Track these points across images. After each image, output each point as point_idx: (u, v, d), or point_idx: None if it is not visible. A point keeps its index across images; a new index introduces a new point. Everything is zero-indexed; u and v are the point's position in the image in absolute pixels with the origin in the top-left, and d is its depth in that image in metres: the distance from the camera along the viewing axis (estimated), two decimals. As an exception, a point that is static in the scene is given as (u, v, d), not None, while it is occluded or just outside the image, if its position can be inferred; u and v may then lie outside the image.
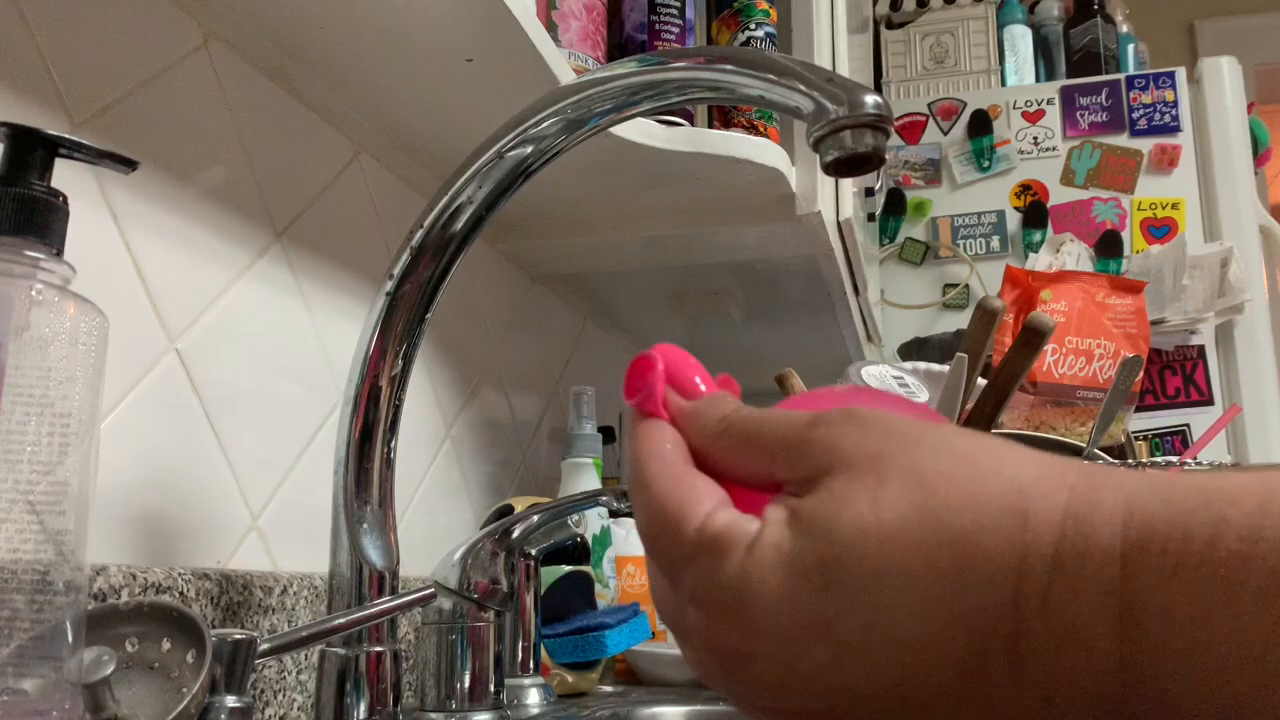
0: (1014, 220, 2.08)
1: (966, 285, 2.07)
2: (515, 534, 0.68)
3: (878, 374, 0.94)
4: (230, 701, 0.46)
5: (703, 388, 0.34)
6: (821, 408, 0.30)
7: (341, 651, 0.58)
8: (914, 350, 1.95)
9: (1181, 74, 2.06)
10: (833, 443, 0.28)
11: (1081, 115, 2.09)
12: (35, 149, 0.40)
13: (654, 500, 0.30)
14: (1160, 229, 2.00)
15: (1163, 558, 0.23)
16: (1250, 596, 0.22)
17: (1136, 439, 1.86)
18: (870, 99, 0.45)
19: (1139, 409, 1.84)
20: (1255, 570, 0.22)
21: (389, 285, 0.60)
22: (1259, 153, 2.14)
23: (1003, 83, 2.23)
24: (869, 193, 1.62)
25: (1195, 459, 0.75)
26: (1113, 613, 0.24)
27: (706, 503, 0.30)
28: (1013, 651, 0.25)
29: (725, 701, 0.31)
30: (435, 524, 0.96)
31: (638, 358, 0.34)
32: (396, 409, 0.61)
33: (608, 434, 1.30)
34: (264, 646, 0.49)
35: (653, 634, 1.04)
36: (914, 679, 0.26)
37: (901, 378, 0.96)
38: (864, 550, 0.26)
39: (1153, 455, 1.86)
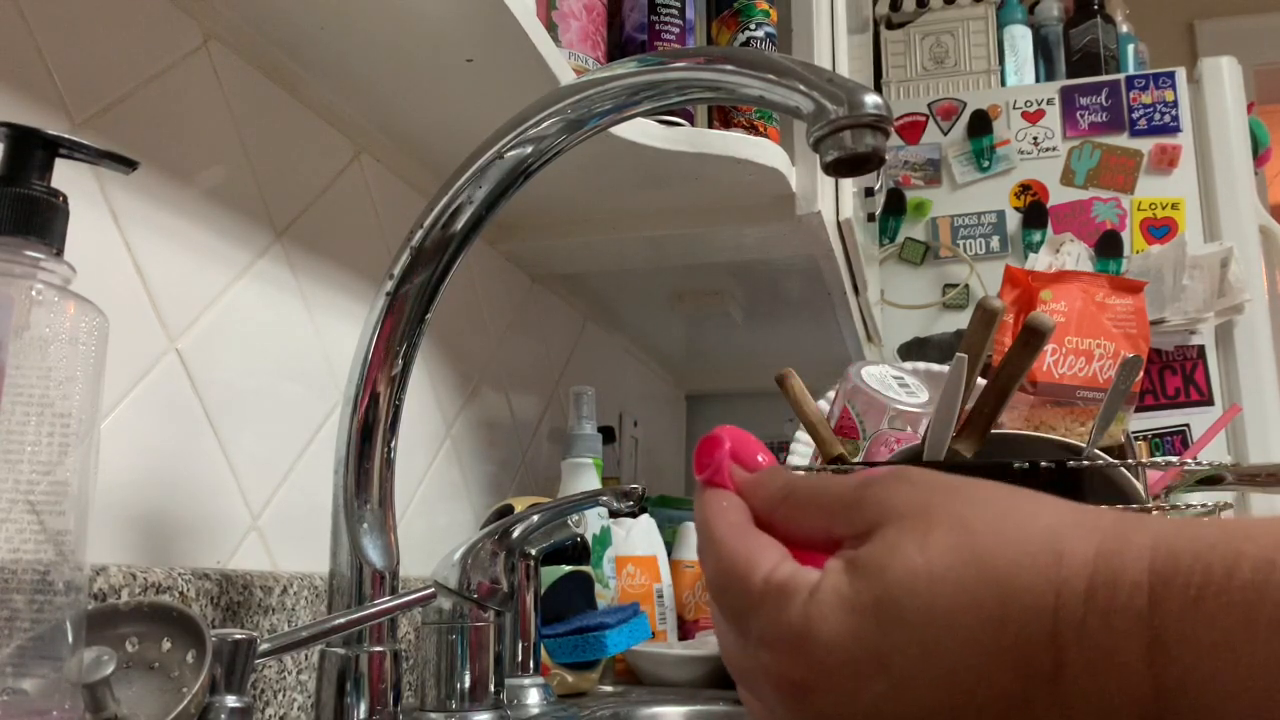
0: (1014, 220, 2.08)
1: (966, 285, 2.07)
2: (515, 534, 0.68)
3: (878, 374, 0.94)
4: (230, 701, 0.46)
5: (762, 460, 0.38)
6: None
7: (341, 651, 0.58)
8: (914, 350, 1.95)
9: (1181, 74, 2.06)
10: (884, 498, 0.31)
11: (1081, 115, 2.09)
12: (35, 149, 0.40)
13: (723, 555, 0.33)
14: (1160, 229, 2.00)
15: (1186, 589, 0.25)
16: (1264, 625, 0.24)
17: (1136, 439, 1.86)
18: (870, 99, 0.45)
19: (1139, 409, 1.84)
20: (1269, 600, 0.24)
21: (389, 285, 0.60)
22: (1259, 153, 2.14)
23: (1003, 83, 2.23)
24: (869, 193, 1.62)
25: (1195, 459, 0.75)
26: (1143, 640, 0.25)
27: (772, 556, 0.33)
28: (1055, 681, 0.27)
29: None
30: (435, 524, 0.96)
31: (705, 438, 0.39)
32: (396, 409, 0.61)
33: (608, 434, 1.30)
34: (264, 646, 0.49)
35: (652, 634, 1.04)
36: (966, 710, 0.28)
37: (901, 378, 0.96)
38: (914, 588, 0.28)
39: (1153, 455, 1.86)
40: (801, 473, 0.37)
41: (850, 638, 0.29)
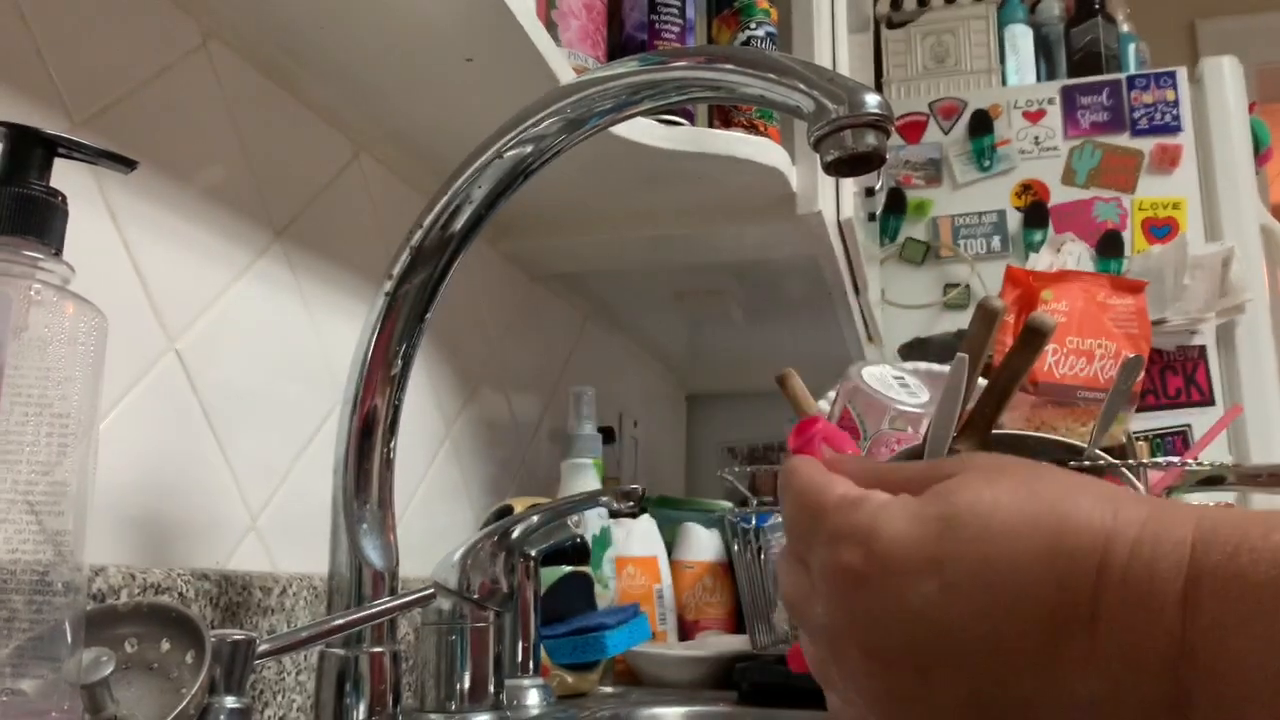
0: (1015, 220, 2.08)
1: (967, 285, 2.07)
2: (515, 534, 0.68)
3: (878, 374, 0.94)
4: (229, 702, 0.46)
5: (851, 454, 0.41)
6: None
7: (341, 652, 0.58)
8: (914, 350, 1.95)
9: (1182, 74, 2.06)
10: (963, 459, 0.35)
11: (1082, 115, 2.09)
12: (35, 149, 0.40)
13: (802, 487, 0.35)
14: (1161, 229, 1.99)
15: (1224, 546, 0.27)
16: None
17: (1137, 439, 1.85)
18: (871, 98, 0.45)
19: (1140, 409, 1.84)
20: None
21: (389, 285, 0.59)
22: (1260, 152, 2.14)
23: (1003, 82, 2.22)
24: (869, 192, 1.62)
25: (1196, 459, 0.75)
26: (1178, 588, 0.27)
27: (849, 484, 0.35)
28: (1091, 619, 0.28)
29: (819, 643, 0.34)
30: (435, 524, 0.96)
31: (803, 420, 0.42)
32: (396, 409, 0.61)
33: (608, 434, 1.30)
34: (263, 647, 0.49)
35: (652, 634, 1.03)
36: (1004, 632, 0.29)
37: (902, 378, 0.96)
38: (977, 510, 0.31)
39: (1154, 456, 1.86)
40: None
41: (912, 540, 0.31)
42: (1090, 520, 0.29)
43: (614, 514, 0.71)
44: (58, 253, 0.40)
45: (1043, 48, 2.28)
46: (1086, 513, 0.30)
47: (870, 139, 0.45)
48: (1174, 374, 1.92)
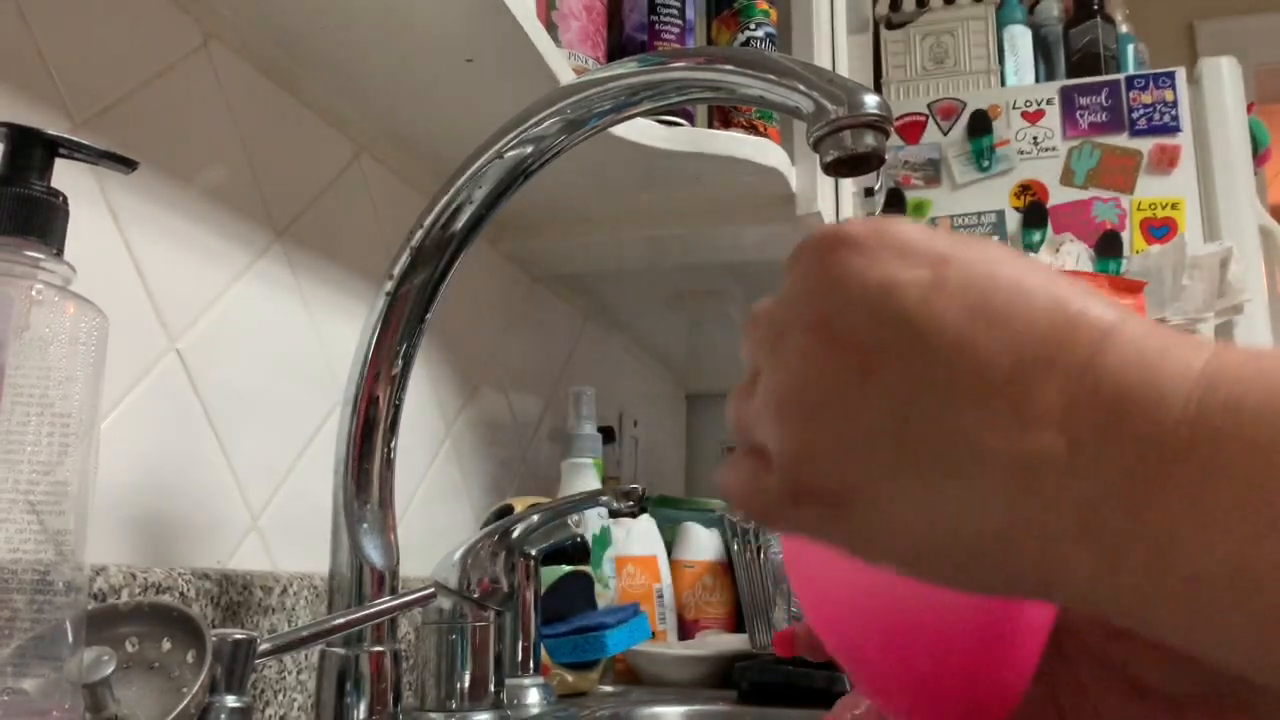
0: (1014, 220, 2.08)
1: (966, 285, 2.07)
2: (515, 534, 0.68)
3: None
4: (230, 701, 0.46)
5: None
6: None
7: (341, 651, 0.58)
8: (914, 350, 1.95)
9: (1181, 74, 2.06)
10: None
11: (1081, 115, 2.09)
12: (35, 149, 0.40)
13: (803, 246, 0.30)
14: (1160, 229, 2.00)
15: (1243, 352, 0.23)
16: None
17: (1136, 439, 1.85)
18: (870, 99, 0.45)
19: (1139, 409, 1.83)
20: None
21: (389, 285, 0.60)
22: (1259, 153, 2.14)
23: (1002, 83, 2.23)
24: (869, 193, 1.62)
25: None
26: (1196, 366, 0.23)
27: None
28: (1084, 366, 0.24)
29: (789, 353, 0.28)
30: (435, 524, 0.96)
31: None
32: (396, 409, 0.61)
33: (608, 434, 1.30)
34: (264, 646, 0.49)
35: (652, 634, 1.04)
36: (980, 343, 0.24)
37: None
38: (1006, 247, 0.27)
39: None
40: None
41: (925, 235, 0.27)
42: (1105, 306, 0.25)
43: (614, 514, 0.71)
44: (59, 253, 0.40)
45: (1041, 48, 2.29)
46: (1101, 302, 0.25)
47: (869, 139, 0.45)
48: (1173, 374, 1.92)
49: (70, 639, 0.38)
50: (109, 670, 0.38)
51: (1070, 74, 2.22)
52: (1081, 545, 0.23)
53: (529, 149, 0.58)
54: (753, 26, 1.02)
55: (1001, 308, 0.25)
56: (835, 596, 0.35)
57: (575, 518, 0.80)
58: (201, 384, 0.67)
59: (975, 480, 0.24)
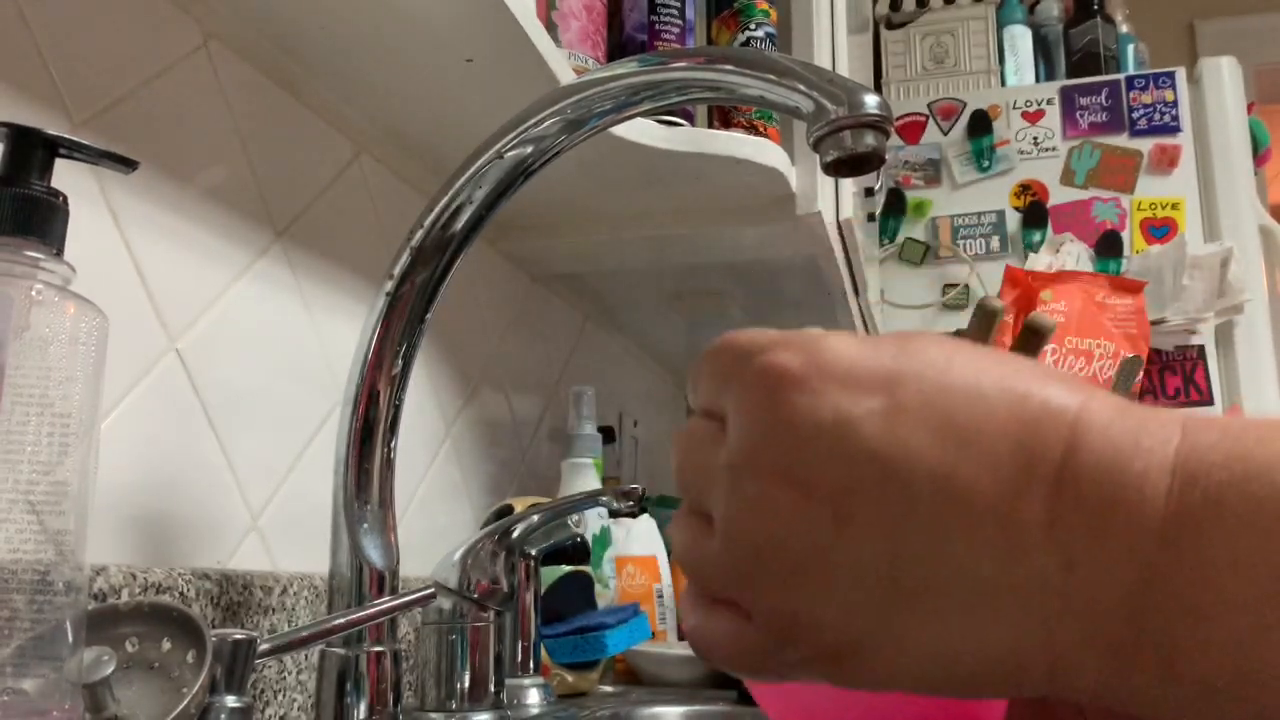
0: (1014, 220, 2.08)
1: (966, 285, 2.07)
2: (515, 534, 0.68)
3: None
4: (230, 701, 0.46)
5: None
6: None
7: (341, 651, 0.58)
8: (914, 350, 1.95)
9: (1181, 74, 2.06)
10: None
11: (1081, 115, 2.09)
12: (35, 149, 0.40)
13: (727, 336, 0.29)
14: (1160, 229, 2.00)
15: (1211, 427, 0.23)
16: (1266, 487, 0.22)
17: (1136, 439, 1.85)
18: (870, 99, 0.45)
19: (1139, 409, 1.83)
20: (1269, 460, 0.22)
21: (389, 285, 0.60)
22: (1259, 153, 2.14)
23: (1002, 83, 2.23)
24: (869, 193, 1.62)
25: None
26: (1167, 455, 0.22)
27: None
28: (1058, 480, 0.23)
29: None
30: (435, 524, 0.96)
31: None
32: (396, 409, 0.61)
33: (608, 434, 1.30)
34: (264, 646, 0.49)
35: (652, 634, 1.04)
36: (957, 470, 0.23)
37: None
38: (940, 340, 0.26)
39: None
40: None
41: (862, 355, 0.25)
42: (1063, 389, 0.24)
43: (614, 513, 0.71)
44: (59, 253, 0.40)
45: (1042, 48, 2.29)
46: (1058, 385, 0.24)
47: (869, 139, 0.45)
48: (1173, 374, 1.93)
49: (70, 639, 0.38)
50: (109, 670, 0.38)
51: (1070, 74, 2.22)
52: (1089, 653, 0.23)
53: (529, 149, 0.58)
54: (753, 26, 1.02)
55: (967, 424, 0.24)
56: (806, 703, 0.35)
57: (575, 518, 0.80)
58: (201, 384, 0.67)
59: (975, 610, 0.24)
